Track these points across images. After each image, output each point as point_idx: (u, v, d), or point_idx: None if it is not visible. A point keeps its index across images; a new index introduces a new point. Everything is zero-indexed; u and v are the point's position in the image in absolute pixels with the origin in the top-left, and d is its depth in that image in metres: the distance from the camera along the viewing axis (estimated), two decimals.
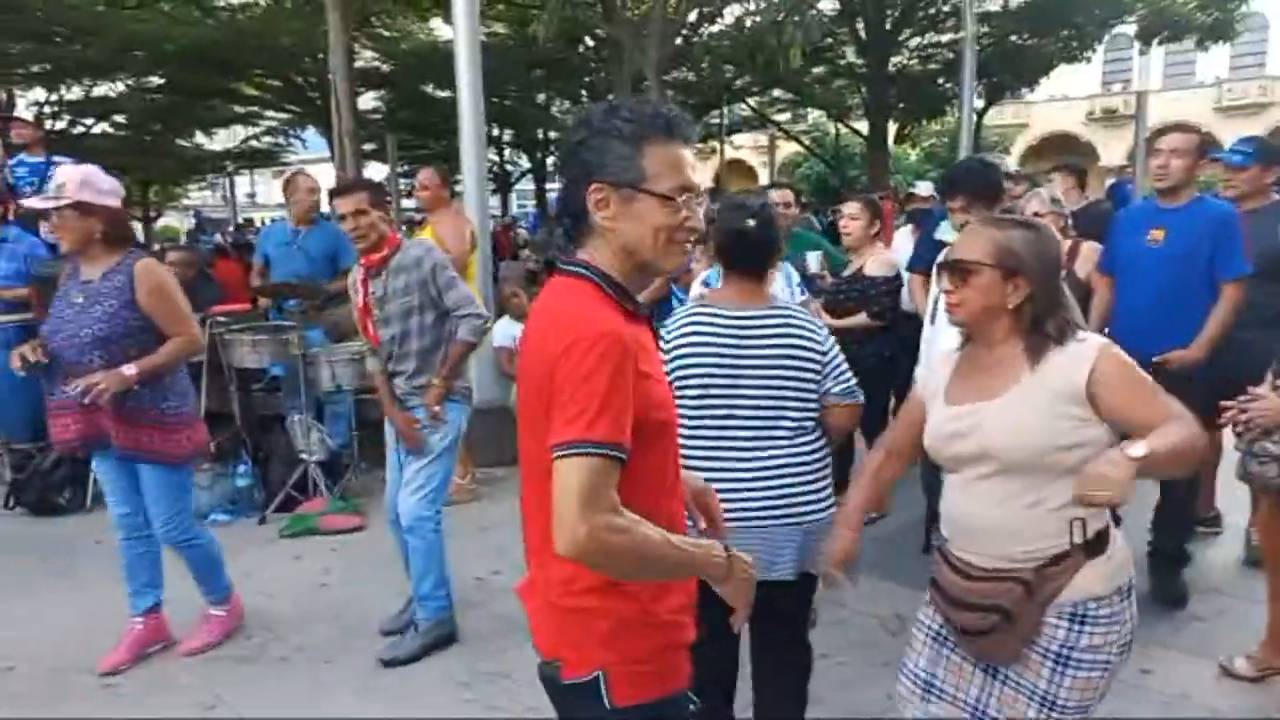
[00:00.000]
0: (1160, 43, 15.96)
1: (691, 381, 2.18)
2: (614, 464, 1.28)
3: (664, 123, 1.38)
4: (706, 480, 2.14)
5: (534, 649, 1.49)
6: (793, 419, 2.24)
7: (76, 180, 2.98)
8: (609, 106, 1.42)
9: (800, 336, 2.25)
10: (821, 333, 2.32)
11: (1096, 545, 1.73)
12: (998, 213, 3.09)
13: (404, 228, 6.38)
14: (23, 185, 5.69)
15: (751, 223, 2.26)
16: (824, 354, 2.28)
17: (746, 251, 2.27)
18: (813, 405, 2.27)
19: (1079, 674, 1.71)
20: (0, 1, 12.24)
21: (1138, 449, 1.54)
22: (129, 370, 2.96)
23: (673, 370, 2.16)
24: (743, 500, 2.19)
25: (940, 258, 2.00)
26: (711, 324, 2.23)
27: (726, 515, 2.17)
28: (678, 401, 2.08)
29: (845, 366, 2.32)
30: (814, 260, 4.32)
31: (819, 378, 2.26)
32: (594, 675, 1.38)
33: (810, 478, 2.26)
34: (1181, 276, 3.37)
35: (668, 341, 2.19)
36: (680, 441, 2.11)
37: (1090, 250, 3.94)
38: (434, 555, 3.29)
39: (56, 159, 5.80)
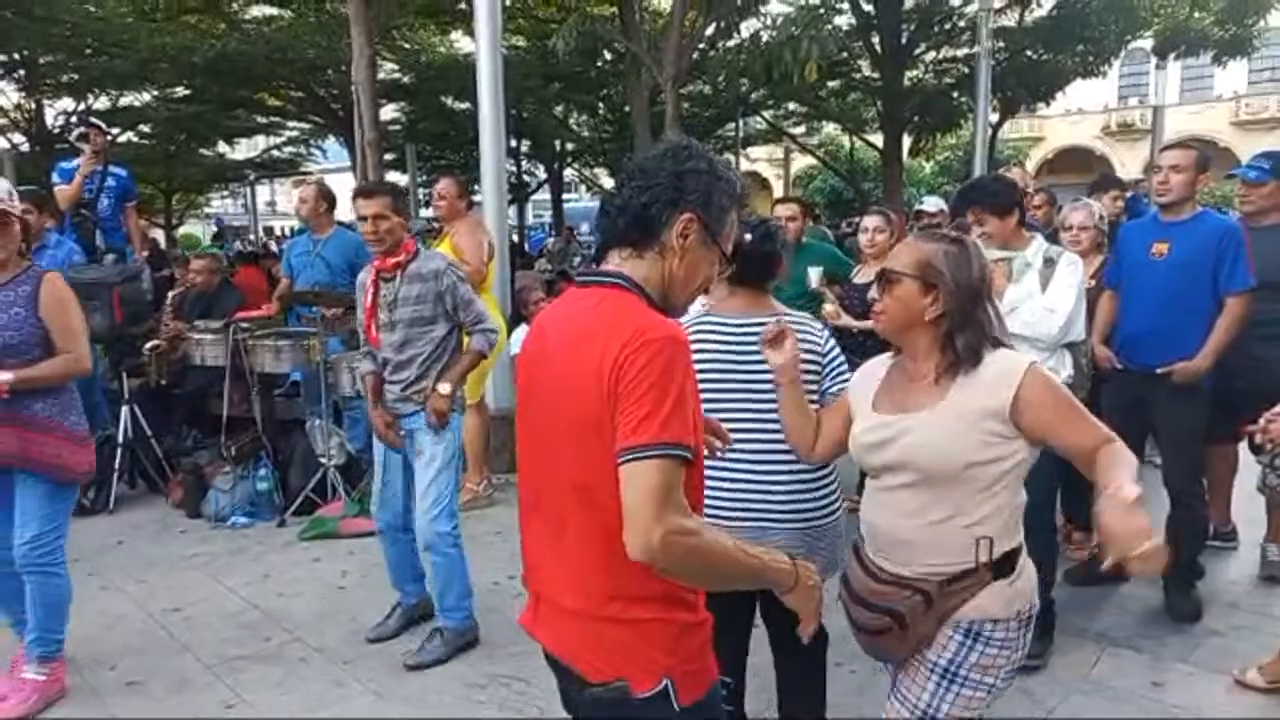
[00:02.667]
0: (1177, 58, 15.92)
1: (700, 389, 2.22)
2: (684, 465, 1.31)
3: (744, 196, 1.51)
4: (716, 486, 2.18)
5: (576, 676, 1.46)
6: None
7: (3, 189, 2.89)
8: (721, 158, 1.50)
9: (800, 340, 2.30)
10: (822, 335, 2.39)
11: (1003, 566, 1.74)
12: (1009, 227, 3.12)
13: (421, 238, 6.45)
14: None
15: (749, 237, 2.31)
16: (823, 355, 2.35)
17: (747, 264, 2.31)
18: (814, 406, 2.32)
19: (963, 691, 1.74)
20: (32, 14, 12.50)
21: (1130, 489, 1.51)
22: (4, 375, 2.77)
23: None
24: (753, 504, 2.24)
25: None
26: (716, 332, 2.29)
27: (738, 520, 2.20)
28: None
29: (845, 367, 2.37)
30: (814, 275, 4.39)
31: (819, 378, 2.32)
32: (664, 684, 1.40)
33: (815, 481, 2.31)
34: (1185, 289, 3.41)
35: None
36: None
37: None
38: (456, 568, 3.32)
39: (114, 169, 5.94)
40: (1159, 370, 3.44)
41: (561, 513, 1.45)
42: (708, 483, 2.11)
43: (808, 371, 2.28)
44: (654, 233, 1.44)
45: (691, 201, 1.44)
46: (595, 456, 1.36)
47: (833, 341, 2.42)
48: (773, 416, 2.24)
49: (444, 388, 3.26)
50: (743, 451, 2.23)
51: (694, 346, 2.21)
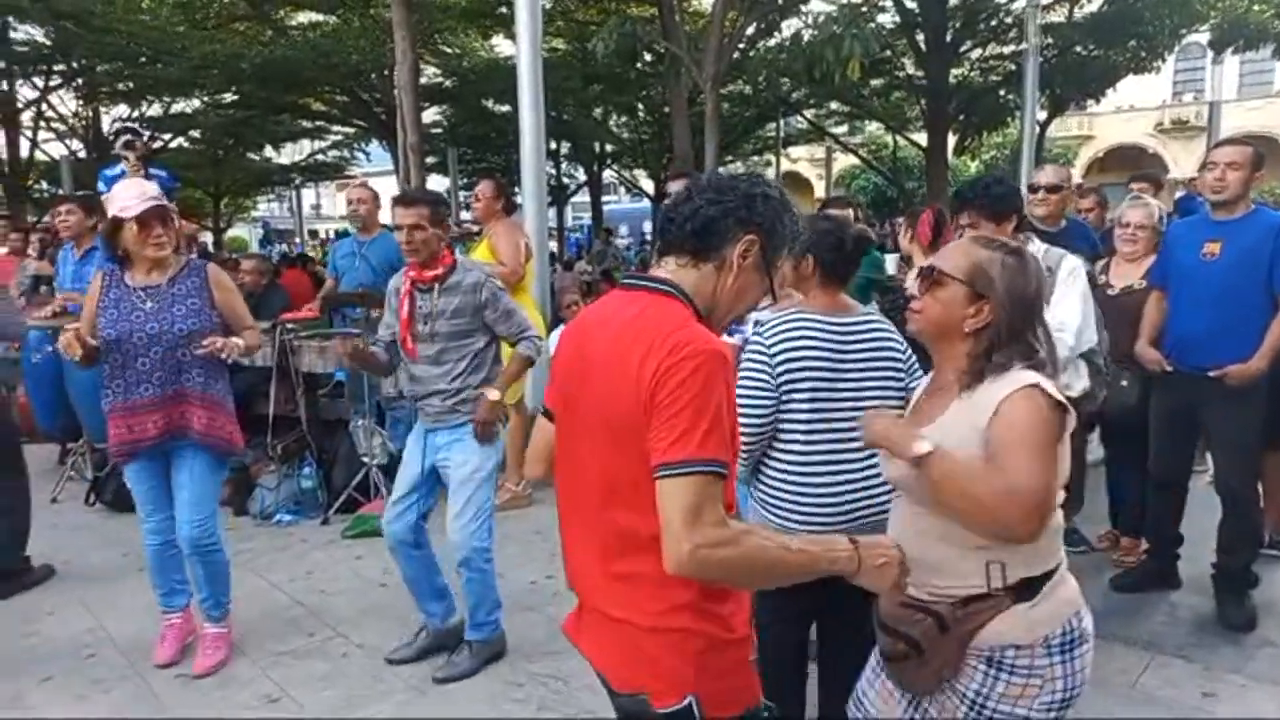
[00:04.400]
0: (1235, 51, 15.46)
1: (802, 387, 2.19)
2: (720, 480, 1.31)
3: (800, 239, 1.57)
4: (828, 484, 2.17)
5: (605, 681, 1.47)
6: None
7: (154, 190, 3.19)
8: (788, 201, 1.53)
9: (889, 339, 2.31)
10: (898, 334, 2.37)
11: (1024, 591, 1.61)
12: (1006, 235, 2.90)
13: (461, 243, 6.54)
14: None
15: (849, 235, 2.33)
16: (904, 353, 2.34)
17: (842, 262, 2.31)
18: (901, 403, 2.31)
19: None
20: (90, 24, 12.90)
21: (926, 444, 1.54)
22: (238, 340, 3.20)
23: (780, 376, 2.17)
24: (863, 500, 2.22)
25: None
26: (817, 331, 2.24)
27: (849, 516, 2.19)
28: (788, 407, 2.16)
29: (918, 363, 2.36)
30: (891, 262, 4.35)
31: (905, 376, 2.31)
32: (687, 701, 1.39)
33: None
34: (1239, 289, 3.32)
35: (770, 348, 2.19)
36: (797, 447, 2.17)
37: None
38: (489, 583, 3.28)
39: (153, 171, 6.07)
40: (1212, 373, 3.35)
41: (594, 516, 1.45)
42: (820, 484, 2.16)
43: (893, 374, 2.28)
44: (717, 246, 1.45)
45: (759, 224, 1.46)
46: (630, 461, 1.36)
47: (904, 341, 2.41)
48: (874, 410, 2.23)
49: (492, 394, 3.18)
50: (852, 449, 2.20)
51: (797, 344, 2.19)
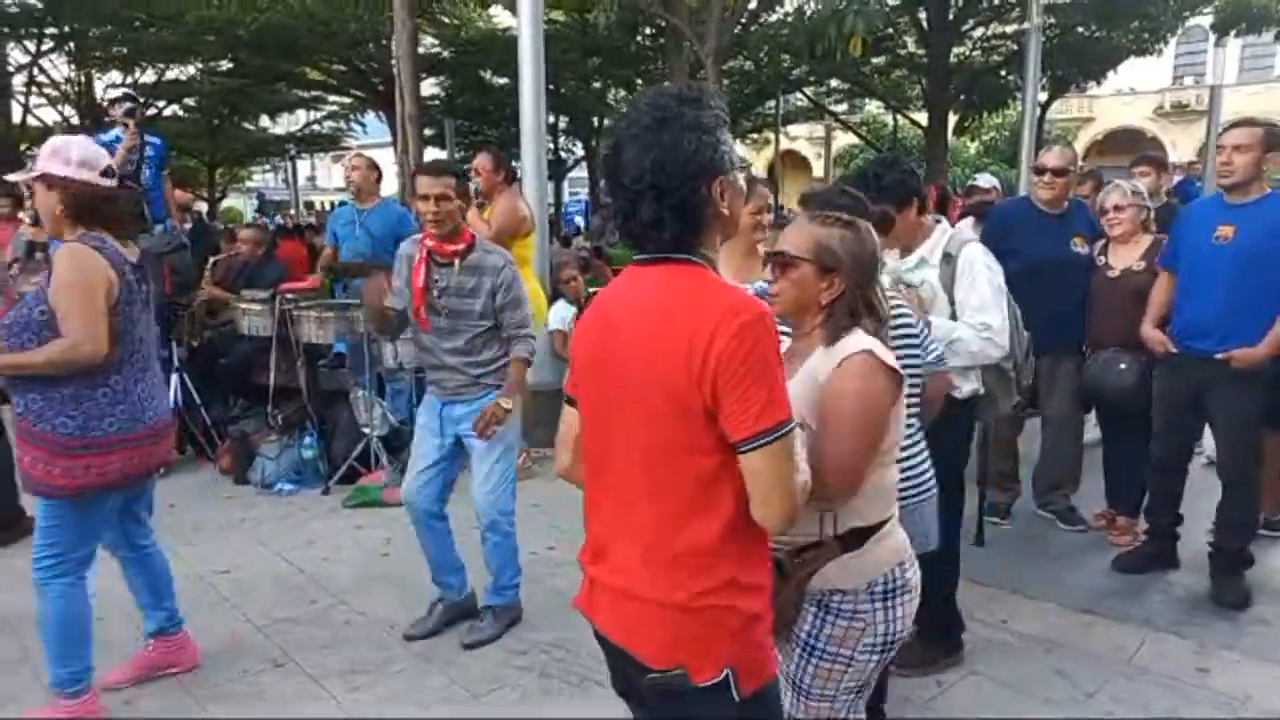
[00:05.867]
0: (1237, 35, 15.39)
1: None
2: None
3: (725, 113, 1.46)
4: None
5: (633, 660, 1.46)
6: (915, 399, 2.28)
7: (47, 151, 2.68)
8: (691, 98, 1.42)
9: (908, 320, 2.30)
10: (909, 310, 2.36)
11: (852, 541, 1.73)
12: (908, 221, 2.84)
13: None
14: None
15: (873, 212, 2.29)
16: (918, 329, 2.34)
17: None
18: (920, 379, 2.31)
19: (820, 663, 1.76)
20: None
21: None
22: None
23: None
24: (917, 478, 2.25)
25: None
26: None
27: (912, 495, 2.20)
28: None
29: (931, 337, 2.38)
30: None
31: (921, 352, 2.31)
32: (724, 674, 1.40)
33: (925, 454, 2.33)
34: (1252, 275, 3.31)
35: None
36: None
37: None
38: (513, 546, 3.33)
39: (149, 138, 6.01)
40: (1218, 356, 3.35)
41: (632, 497, 1.45)
42: None
43: (912, 351, 2.26)
44: (701, 216, 1.42)
45: (716, 168, 1.41)
46: (679, 436, 1.37)
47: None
48: (914, 396, 2.23)
49: (505, 402, 3.17)
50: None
51: None
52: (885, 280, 2.86)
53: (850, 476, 1.66)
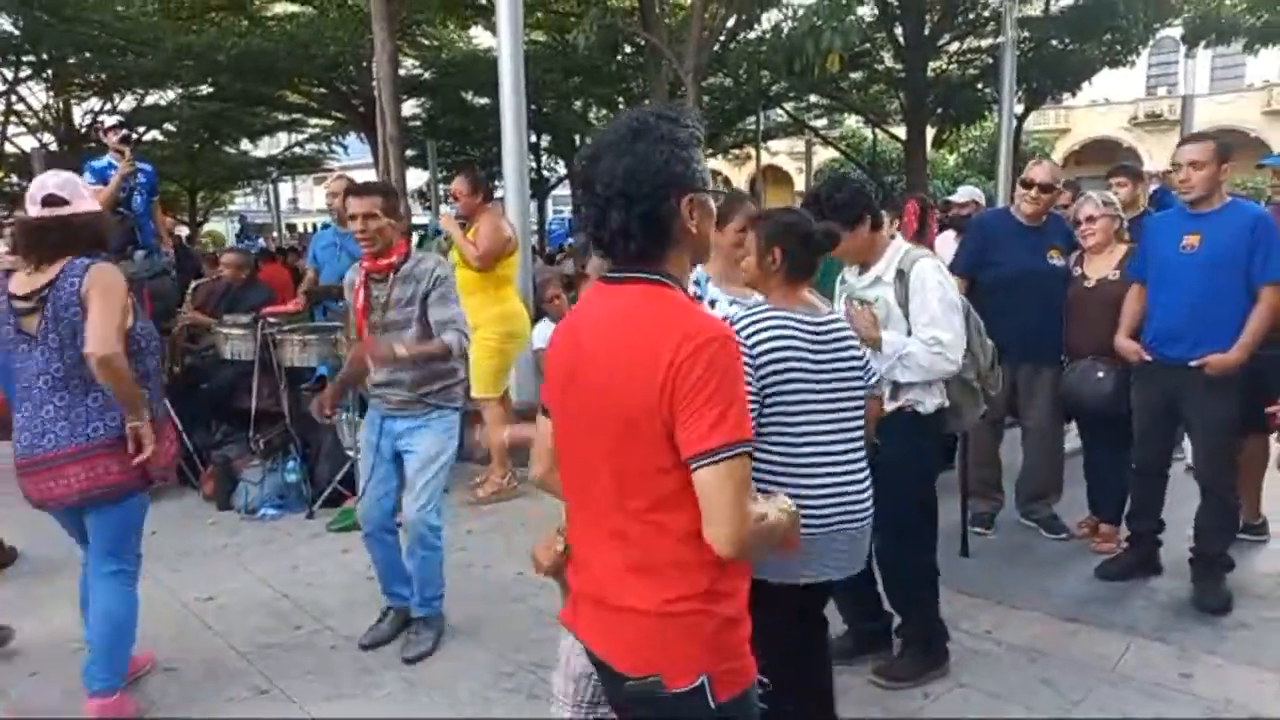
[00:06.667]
0: (1207, 46, 15.67)
1: (787, 389, 2.16)
2: (750, 457, 1.38)
3: (699, 134, 1.48)
4: (817, 485, 2.18)
5: (611, 671, 1.48)
6: (859, 421, 2.30)
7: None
8: (669, 115, 1.45)
9: (851, 340, 2.33)
10: (852, 332, 2.40)
11: None
12: (860, 239, 2.85)
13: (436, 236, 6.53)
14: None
15: (816, 228, 2.33)
16: (862, 354, 2.37)
17: (809, 256, 2.32)
18: (863, 404, 2.35)
19: None
20: (63, 14, 12.67)
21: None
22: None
23: (764, 378, 2.13)
24: (846, 504, 2.23)
25: None
26: (797, 331, 2.21)
27: (834, 522, 2.20)
28: (775, 409, 2.13)
29: (870, 362, 2.42)
30: None
31: (865, 375, 2.35)
32: (700, 680, 1.41)
33: (869, 478, 2.33)
34: (1218, 282, 3.37)
35: (751, 348, 2.14)
36: (781, 451, 2.17)
37: None
38: (439, 561, 3.38)
39: (140, 165, 5.99)
40: (1192, 363, 3.40)
41: (604, 509, 1.46)
42: (811, 485, 2.16)
43: (858, 374, 2.30)
44: (669, 230, 1.44)
45: (684, 183, 1.44)
46: (646, 452, 1.38)
47: None
48: (849, 411, 2.26)
49: (400, 350, 3.12)
50: (831, 453, 2.22)
51: (780, 344, 2.17)
52: (840, 298, 2.92)
53: None
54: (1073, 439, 4.52)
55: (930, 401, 2.88)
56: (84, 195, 2.85)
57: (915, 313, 2.81)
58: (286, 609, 3.75)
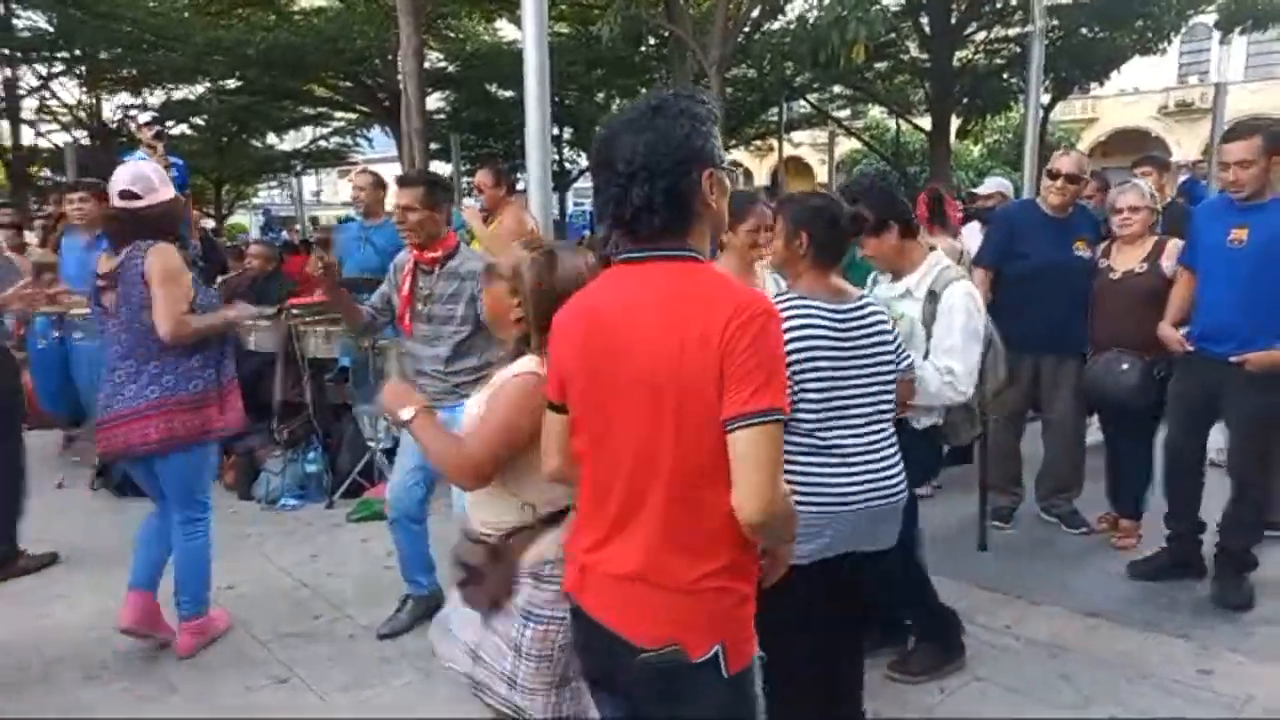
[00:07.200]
0: (1242, 32, 15.31)
1: (811, 378, 2.17)
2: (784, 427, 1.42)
3: (716, 114, 1.51)
4: (841, 472, 2.20)
5: (623, 643, 1.48)
6: (890, 402, 2.30)
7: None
8: (687, 94, 1.49)
9: (882, 324, 2.31)
10: (888, 316, 2.39)
11: (552, 521, 1.91)
12: (888, 245, 2.83)
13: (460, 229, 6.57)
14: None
15: (844, 213, 2.33)
16: (894, 336, 2.35)
17: (836, 241, 2.31)
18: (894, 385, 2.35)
19: (537, 626, 1.88)
20: (96, 11, 12.87)
21: (408, 412, 1.93)
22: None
23: (790, 365, 2.09)
24: (874, 487, 2.24)
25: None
26: (822, 320, 2.21)
27: (863, 502, 2.22)
28: (798, 398, 2.14)
29: (903, 344, 2.42)
30: None
31: (896, 358, 2.34)
32: (714, 651, 1.44)
33: (899, 456, 2.33)
34: (1267, 276, 3.29)
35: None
36: (807, 438, 2.19)
37: (1175, 247, 3.84)
38: (427, 541, 3.46)
39: (172, 159, 6.06)
40: (1233, 358, 3.34)
41: (638, 482, 1.46)
42: (833, 472, 2.19)
43: (888, 358, 2.29)
44: (691, 205, 1.46)
45: (706, 159, 1.46)
46: (694, 430, 1.40)
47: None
48: (877, 396, 2.26)
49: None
50: (863, 437, 2.23)
51: (809, 334, 2.18)
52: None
53: (477, 470, 1.87)
54: (1093, 433, 4.47)
55: (925, 419, 2.85)
56: (156, 188, 3.18)
57: (938, 336, 2.77)
58: (306, 598, 3.81)
